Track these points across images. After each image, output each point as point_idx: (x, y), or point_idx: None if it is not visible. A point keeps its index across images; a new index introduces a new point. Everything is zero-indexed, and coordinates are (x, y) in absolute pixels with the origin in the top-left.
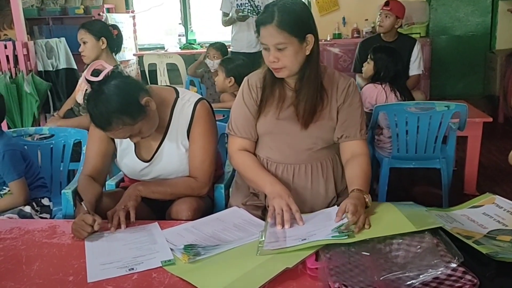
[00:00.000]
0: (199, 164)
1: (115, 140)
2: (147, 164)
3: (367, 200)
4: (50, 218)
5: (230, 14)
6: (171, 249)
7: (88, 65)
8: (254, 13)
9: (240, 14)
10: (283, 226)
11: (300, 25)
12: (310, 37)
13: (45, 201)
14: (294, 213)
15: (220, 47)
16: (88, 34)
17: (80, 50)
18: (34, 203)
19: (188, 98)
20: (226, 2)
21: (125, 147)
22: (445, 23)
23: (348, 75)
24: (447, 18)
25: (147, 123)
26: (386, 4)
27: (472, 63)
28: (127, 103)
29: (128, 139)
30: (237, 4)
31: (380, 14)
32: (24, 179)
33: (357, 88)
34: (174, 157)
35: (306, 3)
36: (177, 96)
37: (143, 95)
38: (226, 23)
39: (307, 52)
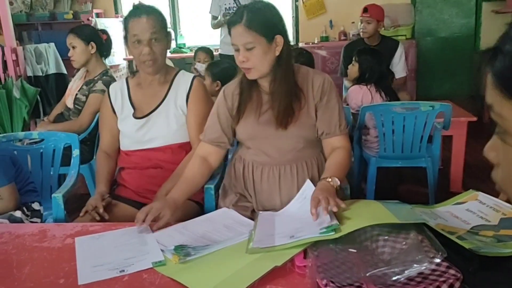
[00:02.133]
0: (197, 130)
1: (117, 112)
2: (143, 120)
3: (331, 183)
4: (41, 222)
5: (219, 17)
6: (162, 250)
7: (77, 70)
8: None
9: (227, 17)
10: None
11: (268, 25)
12: (279, 38)
13: (36, 206)
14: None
15: (208, 51)
16: (77, 39)
17: (69, 55)
18: (24, 208)
19: (187, 74)
20: (215, 5)
21: (125, 115)
22: (430, 25)
23: (335, 78)
24: (432, 20)
25: (161, 48)
26: (365, 11)
27: (457, 64)
28: (164, 18)
29: (129, 106)
30: (225, 8)
31: (361, 22)
32: (14, 184)
33: (333, 84)
34: (171, 117)
35: (294, 7)
36: (179, 70)
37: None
38: (215, 26)
39: (277, 53)
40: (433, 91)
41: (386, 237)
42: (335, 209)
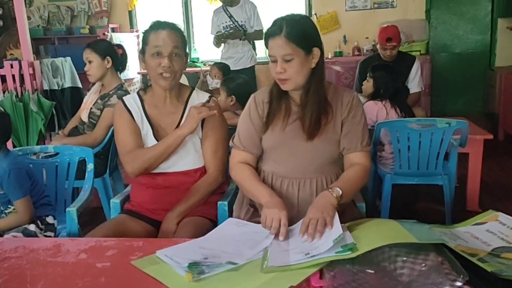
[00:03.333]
0: (212, 153)
1: (137, 122)
2: None
3: (334, 194)
4: (55, 236)
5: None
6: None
7: (93, 84)
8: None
9: (218, 33)
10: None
11: (307, 37)
12: (316, 51)
13: (50, 219)
14: (281, 226)
15: (222, 67)
16: (94, 53)
17: (85, 69)
18: (38, 221)
19: (202, 93)
20: (214, 25)
21: (145, 133)
22: (444, 40)
23: None
24: (447, 36)
25: (180, 64)
26: (389, 40)
27: (472, 80)
28: (185, 37)
29: (147, 123)
30: (223, 26)
31: (384, 49)
32: (29, 197)
33: (360, 101)
34: (188, 141)
35: None
36: (193, 89)
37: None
38: (216, 44)
39: (313, 65)
40: (447, 107)
41: (404, 258)
42: (318, 236)
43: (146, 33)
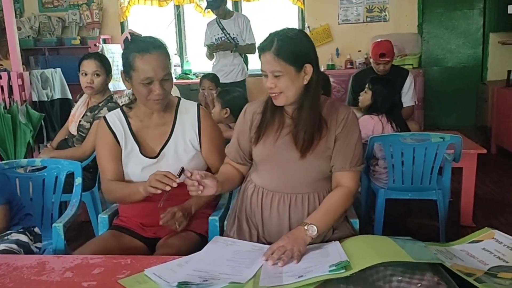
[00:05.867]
0: (220, 152)
1: (120, 142)
2: (154, 160)
3: (307, 233)
4: (41, 248)
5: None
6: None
7: (81, 95)
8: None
9: (210, 43)
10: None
11: (298, 54)
12: (308, 67)
13: (37, 230)
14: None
15: (212, 78)
16: (103, 68)
17: (88, 81)
18: (28, 233)
19: (189, 102)
20: (207, 37)
21: (129, 151)
22: (437, 54)
23: None
24: (439, 50)
25: (170, 85)
26: (382, 56)
27: (464, 94)
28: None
29: (132, 140)
30: (216, 39)
31: (377, 64)
32: (7, 206)
33: (357, 120)
34: (181, 152)
35: None
36: (180, 99)
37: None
38: (208, 56)
39: (305, 82)
40: (440, 120)
41: (400, 278)
42: (280, 264)
43: (129, 56)
